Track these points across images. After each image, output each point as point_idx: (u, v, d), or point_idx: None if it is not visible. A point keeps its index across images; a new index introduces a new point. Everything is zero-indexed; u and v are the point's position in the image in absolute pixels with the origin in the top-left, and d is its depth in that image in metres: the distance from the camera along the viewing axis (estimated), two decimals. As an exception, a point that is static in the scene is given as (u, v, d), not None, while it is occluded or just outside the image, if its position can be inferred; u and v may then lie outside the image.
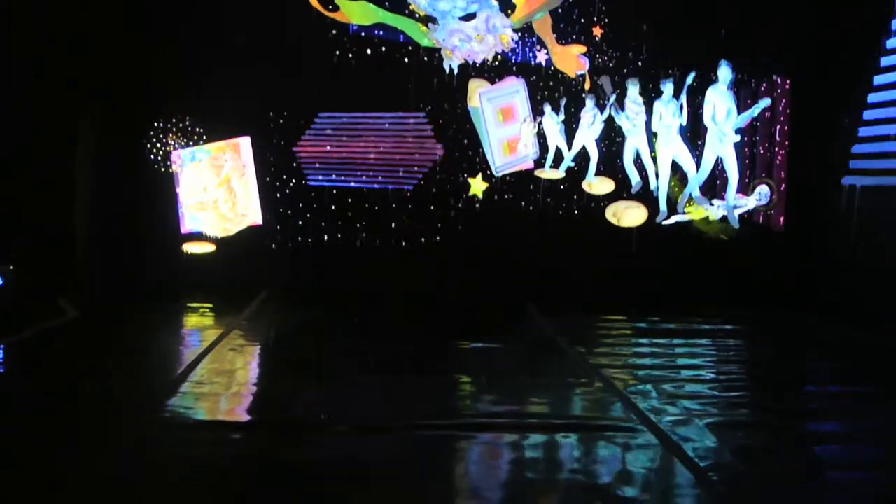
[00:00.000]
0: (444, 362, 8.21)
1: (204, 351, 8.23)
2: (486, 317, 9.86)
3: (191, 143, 10.90)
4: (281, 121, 10.99)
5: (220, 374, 7.66)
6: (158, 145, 10.92)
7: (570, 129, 11.09)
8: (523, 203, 11.15)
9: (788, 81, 11.08)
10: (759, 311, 10.59)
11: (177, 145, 10.88)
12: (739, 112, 10.84)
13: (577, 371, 7.85)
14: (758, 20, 10.78)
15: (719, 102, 10.81)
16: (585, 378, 7.63)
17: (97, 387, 7.11)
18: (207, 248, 10.97)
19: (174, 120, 10.87)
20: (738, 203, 11.16)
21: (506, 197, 11.15)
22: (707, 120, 10.80)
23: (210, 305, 10.49)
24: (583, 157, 11.10)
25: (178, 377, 7.40)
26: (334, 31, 10.69)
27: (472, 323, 9.55)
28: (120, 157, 10.74)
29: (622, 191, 11.13)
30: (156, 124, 10.86)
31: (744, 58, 10.79)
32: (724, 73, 10.68)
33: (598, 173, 11.12)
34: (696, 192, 11.09)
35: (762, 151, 11.23)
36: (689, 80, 10.65)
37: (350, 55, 10.74)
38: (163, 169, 10.96)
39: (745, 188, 11.19)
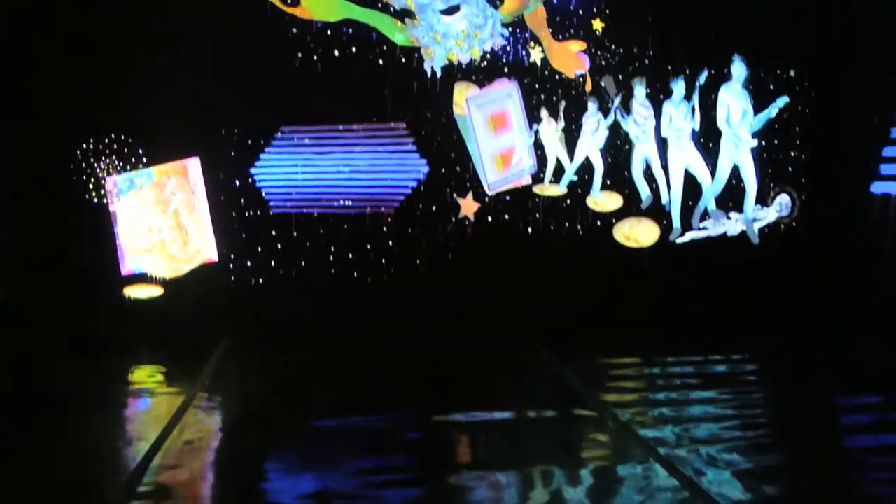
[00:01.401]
0: (446, 450, 6.06)
1: (158, 439, 6.00)
2: (489, 364, 7.95)
3: (128, 167, 8.79)
4: (235, 137, 9.00)
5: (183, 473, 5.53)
6: (88, 170, 8.77)
7: (571, 137, 9.27)
8: (521, 224, 9.39)
9: (809, 76, 9.43)
10: (788, 333, 8.95)
11: (111, 170, 8.76)
12: (756, 113, 9.18)
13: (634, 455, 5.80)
14: (775, 8, 9.15)
15: (734, 103, 9.25)
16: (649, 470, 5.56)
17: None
18: (154, 291, 8.89)
19: (107, 139, 8.77)
20: (757, 216, 9.50)
21: (501, 218, 9.29)
22: (721, 122, 9.21)
23: (161, 366, 8.34)
24: (586, 169, 9.34)
25: (125, 483, 5.20)
26: (295, 30, 8.79)
27: (474, 376, 7.59)
28: (39, 186, 8.69)
29: (631, 206, 9.36)
30: (84, 145, 8.71)
31: (759, 51, 9.14)
32: (738, 69, 9.14)
33: (603, 187, 9.32)
34: (712, 205, 9.39)
35: (781, 156, 9.56)
36: (702, 78, 8.97)
37: (315, 57, 8.85)
38: (95, 199, 8.82)
39: (765, 198, 9.51)
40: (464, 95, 9.02)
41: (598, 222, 9.41)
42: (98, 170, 8.84)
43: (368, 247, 9.13)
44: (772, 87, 9.45)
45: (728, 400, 7.02)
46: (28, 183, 8.78)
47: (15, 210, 8.78)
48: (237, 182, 9.02)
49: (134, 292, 8.98)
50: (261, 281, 9.10)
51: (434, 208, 9.16)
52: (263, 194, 9.05)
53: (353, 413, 6.69)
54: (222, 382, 7.63)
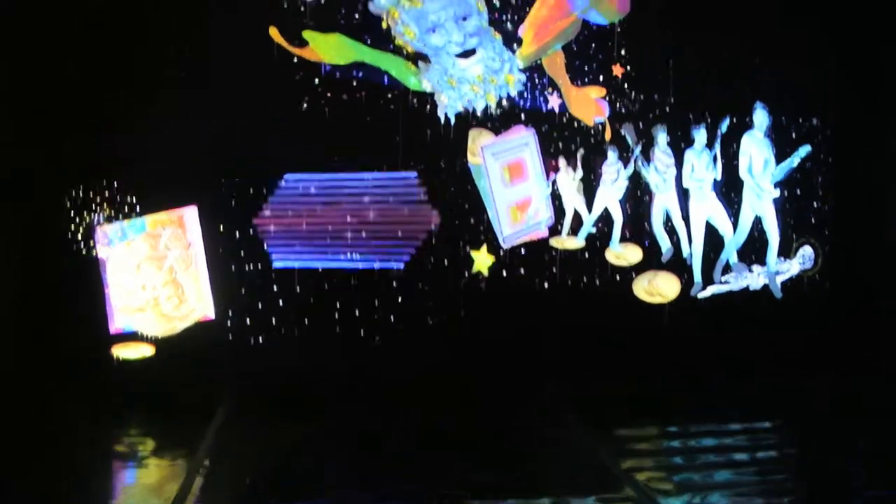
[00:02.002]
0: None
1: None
2: (509, 434, 7.26)
3: (120, 216, 8.02)
4: (236, 185, 8.26)
5: None
6: (77, 219, 8.00)
7: (590, 187, 8.68)
8: (537, 280, 8.71)
9: (831, 125, 8.95)
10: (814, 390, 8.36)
11: (101, 219, 7.99)
12: (778, 162, 8.68)
13: None
14: (797, 55, 8.66)
15: (756, 152, 8.74)
16: None
17: None
18: (145, 351, 8.08)
19: (97, 186, 8.00)
20: (780, 268, 8.96)
21: (516, 272, 8.64)
22: (743, 172, 8.71)
23: (151, 439, 7.54)
24: (605, 220, 8.74)
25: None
26: (302, 73, 8.08)
27: (494, 451, 6.90)
28: (23, 235, 7.95)
29: (652, 259, 8.76)
30: (73, 191, 7.93)
31: (782, 99, 8.66)
32: (760, 117, 8.64)
33: (623, 240, 8.73)
34: (734, 258, 8.83)
35: (804, 207, 9.04)
36: (724, 126, 8.44)
37: (322, 102, 8.17)
38: (83, 251, 8.03)
39: (788, 250, 8.97)
40: (478, 143, 8.40)
41: (618, 276, 8.80)
42: (87, 218, 8.03)
43: (376, 303, 8.42)
44: (794, 135, 8.92)
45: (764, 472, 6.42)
46: (11, 231, 7.97)
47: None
48: (237, 233, 8.30)
49: (123, 352, 8.18)
50: (260, 340, 8.37)
51: (446, 262, 8.51)
52: (265, 246, 8.34)
53: (362, 491, 6.04)
54: (222, 456, 6.85)
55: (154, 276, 7.86)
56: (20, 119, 7.86)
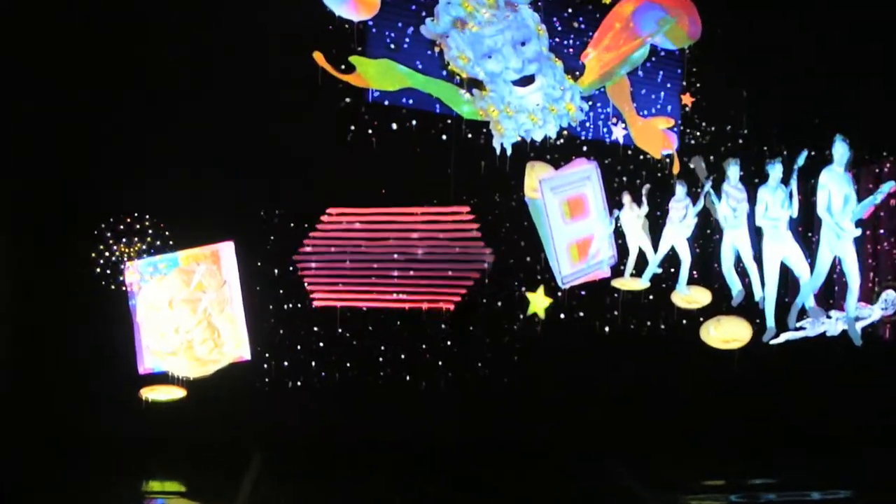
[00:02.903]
0: None
1: None
2: (568, 497, 6.46)
3: (152, 251, 7.34)
4: (276, 220, 7.56)
5: None
6: (106, 253, 7.33)
7: (656, 224, 7.88)
8: (597, 323, 7.90)
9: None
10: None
11: (131, 253, 7.32)
12: (860, 199, 7.79)
13: None
14: (880, 85, 7.81)
15: (835, 188, 7.85)
16: None
17: None
18: (175, 393, 7.39)
19: (128, 219, 7.34)
20: (860, 314, 8.05)
21: (575, 315, 7.83)
22: (821, 210, 7.83)
23: (182, 483, 6.84)
24: (671, 260, 7.93)
25: None
26: (348, 100, 7.34)
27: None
28: (49, 271, 7.31)
29: (721, 303, 7.92)
30: (102, 224, 7.28)
31: (863, 132, 7.78)
32: (841, 150, 7.75)
33: (690, 281, 7.88)
34: (811, 302, 7.95)
35: (887, 248, 8.14)
36: (801, 160, 7.58)
37: (369, 131, 7.43)
38: (112, 286, 7.36)
39: (869, 295, 8.07)
40: (537, 177, 7.64)
41: (684, 321, 7.95)
42: (117, 253, 7.35)
43: (423, 347, 7.68)
44: (877, 170, 8.04)
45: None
46: (38, 265, 7.35)
47: (21, 295, 7.35)
48: (276, 270, 7.58)
49: (153, 394, 7.49)
50: (299, 384, 7.65)
51: (500, 304, 7.75)
52: (305, 285, 7.60)
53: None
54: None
55: (188, 318, 7.17)
56: (48, 150, 7.22)
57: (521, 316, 7.74)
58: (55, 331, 7.34)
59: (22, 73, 7.02)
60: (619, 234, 7.90)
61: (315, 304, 7.59)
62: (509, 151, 7.49)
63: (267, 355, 7.57)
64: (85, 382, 7.39)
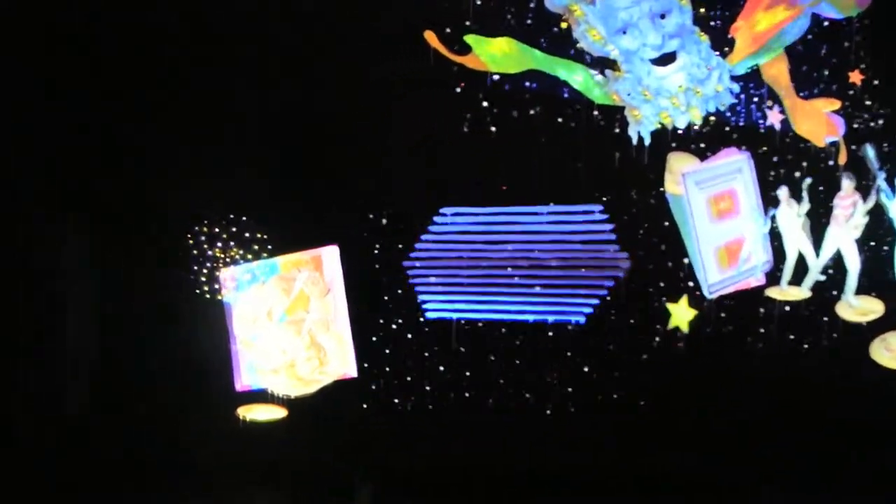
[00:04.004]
0: None
1: None
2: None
3: (249, 257, 6.51)
4: (384, 221, 6.63)
5: None
6: (201, 259, 6.54)
7: (819, 224, 6.65)
8: (749, 338, 6.73)
9: None
10: None
11: (227, 259, 6.51)
12: None
13: None
14: None
15: None
16: None
17: None
18: (276, 413, 6.58)
19: (224, 221, 6.53)
20: None
21: (724, 329, 6.69)
22: None
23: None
24: (837, 266, 6.68)
25: None
26: (464, 85, 6.35)
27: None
28: (137, 277, 6.66)
29: (895, 316, 6.62)
30: (195, 227, 6.48)
31: None
32: None
33: (860, 290, 6.65)
34: None
35: None
36: None
37: (488, 119, 6.44)
38: (207, 295, 6.57)
39: None
40: (679, 170, 6.53)
41: (852, 336, 6.68)
42: (212, 259, 6.56)
43: (550, 366, 6.64)
44: None
45: None
46: (126, 272, 6.65)
47: (109, 305, 6.66)
48: (384, 278, 6.72)
49: (251, 413, 6.67)
50: (409, 405, 6.71)
51: (637, 316, 6.69)
52: (417, 294, 6.72)
53: None
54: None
55: (292, 340, 6.34)
56: (137, 150, 6.52)
57: (661, 329, 6.64)
58: (144, 342, 6.66)
59: (114, 68, 6.35)
60: (774, 236, 6.71)
61: (427, 315, 6.64)
62: (647, 141, 6.43)
63: (374, 373, 6.65)
64: (177, 399, 6.65)
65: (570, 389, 6.62)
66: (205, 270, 6.61)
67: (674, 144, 6.53)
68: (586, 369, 6.68)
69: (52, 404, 6.37)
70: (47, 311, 6.32)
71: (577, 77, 6.48)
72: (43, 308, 6.29)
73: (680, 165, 6.60)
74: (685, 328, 6.71)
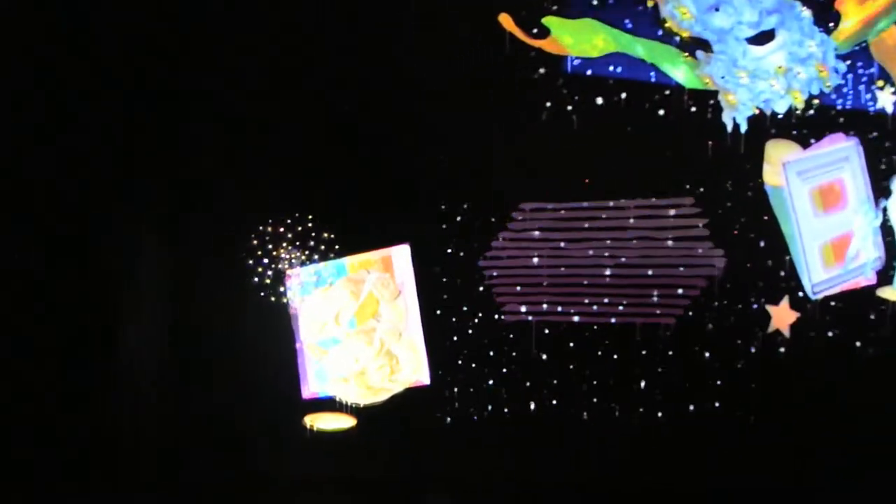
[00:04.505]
0: None
1: None
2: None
3: (315, 257, 6.07)
4: (458, 217, 6.09)
5: None
6: (265, 260, 6.12)
7: (936, 218, 5.92)
8: (858, 343, 6.02)
9: None
10: None
11: (293, 260, 6.08)
12: None
13: None
14: None
15: None
16: None
17: None
18: (345, 422, 6.11)
19: (289, 219, 6.07)
20: None
21: (829, 334, 6.01)
22: None
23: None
24: (957, 263, 5.92)
25: None
26: (543, 70, 5.79)
27: None
28: (200, 280, 6.26)
29: None
30: (259, 226, 6.05)
31: None
32: None
33: (984, 290, 5.89)
34: None
35: None
36: None
37: (569, 107, 5.88)
38: (271, 297, 6.15)
39: None
40: (780, 159, 5.89)
41: (975, 342, 5.94)
42: (276, 260, 6.14)
43: (636, 371, 6.05)
44: None
45: None
46: (184, 273, 6.27)
47: (168, 307, 6.29)
48: (458, 279, 6.13)
49: (320, 422, 6.24)
50: (485, 414, 6.16)
51: (732, 319, 6.03)
52: (493, 296, 6.14)
53: None
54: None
55: (364, 350, 5.89)
56: (200, 148, 6.14)
57: (760, 334, 5.96)
58: (206, 347, 6.24)
59: (164, 60, 5.99)
60: (886, 231, 6.00)
61: (505, 318, 6.09)
62: (744, 127, 5.79)
63: (448, 380, 6.14)
64: (241, 407, 6.23)
65: (659, 399, 5.99)
66: (269, 272, 6.16)
67: (773, 131, 5.90)
68: (677, 377, 6.05)
69: (113, 412, 6.00)
70: (107, 316, 5.95)
71: (666, 59, 5.89)
72: (103, 314, 5.93)
73: (780, 154, 5.97)
74: (787, 332, 6.06)
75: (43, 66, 5.86)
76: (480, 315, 6.20)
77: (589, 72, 5.89)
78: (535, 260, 6.13)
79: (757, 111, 5.87)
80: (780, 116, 5.86)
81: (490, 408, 6.22)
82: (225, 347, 6.32)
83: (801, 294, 6.04)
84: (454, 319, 6.21)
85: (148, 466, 6.23)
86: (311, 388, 6.28)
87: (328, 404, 6.30)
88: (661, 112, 5.93)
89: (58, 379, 5.96)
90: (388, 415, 6.22)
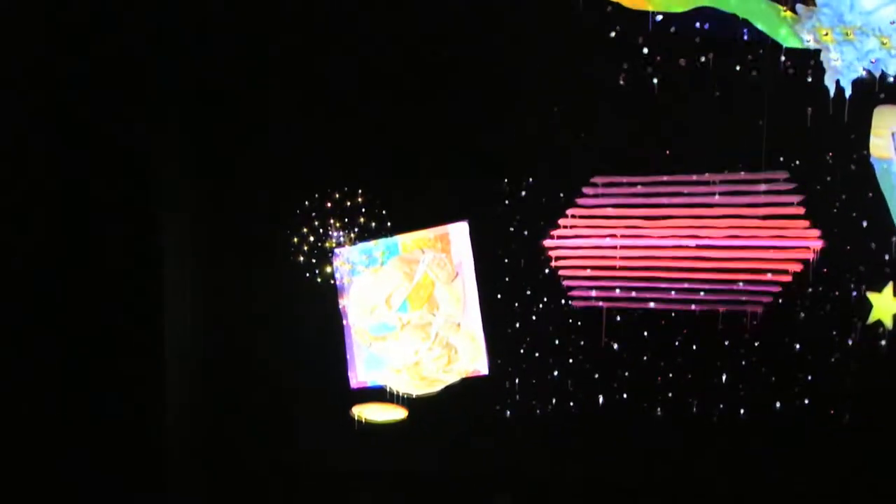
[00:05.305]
0: None
1: None
2: None
3: (365, 235, 5.48)
4: (522, 192, 5.46)
5: None
6: (311, 238, 5.55)
7: None
8: (972, 336, 5.22)
9: None
10: None
11: (342, 237, 5.50)
12: None
13: None
14: None
15: None
16: None
17: None
18: (397, 414, 5.57)
19: (337, 194, 5.49)
20: None
21: (939, 325, 5.22)
22: None
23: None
24: None
25: None
26: (620, 29, 5.06)
27: None
28: (239, 259, 5.74)
29: None
30: (305, 201, 5.48)
31: None
32: None
33: None
34: None
35: None
36: None
37: (649, 70, 5.21)
38: (318, 278, 5.59)
39: None
40: (889, 128, 5.12)
41: None
42: (323, 237, 5.57)
43: (719, 363, 5.38)
44: None
45: None
46: (224, 250, 5.74)
47: (209, 285, 5.78)
48: (522, 260, 5.50)
49: (369, 413, 5.69)
50: (549, 408, 5.57)
51: (829, 308, 5.32)
52: (560, 279, 5.48)
53: None
54: None
55: (419, 344, 5.32)
56: (249, 114, 5.58)
57: (859, 324, 5.26)
58: (247, 331, 5.76)
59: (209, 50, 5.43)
60: None
61: (573, 304, 5.48)
62: (848, 91, 5.04)
63: (509, 370, 5.54)
64: (285, 395, 5.74)
65: (742, 394, 5.34)
66: (316, 251, 5.60)
67: (882, 96, 5.13)
68: (764, 371, 5.39)
69: (156, 402, 5.54)
70: (147, 300, 5.45)
71: (761, 14, 5.14)
72: (142, 298, 5.44)
73: (890, 122, 5.21)
74: (889, 323, 5.35)
75: (44, 66, 5.35)
76: (545, 300, 5.59)
77: (672, 29, 5.17)
78: (608, 240, 5.48)
79: (865, 73, 5.10)
80: (891, 79, 5.08)
81: (554, 401, 5.63)
82: (265, 332, 5.82)
83: (908, 280, 5.30)
84: (516, 305, 5.62)
85: (191, 459, 5.78)
86: (360, 377, 5.73)
87: (378, 394, 5.74)
88: (754, 74, 5.21)
89: (105, 368, 5.51)
90: (443, 407, 5.65)
